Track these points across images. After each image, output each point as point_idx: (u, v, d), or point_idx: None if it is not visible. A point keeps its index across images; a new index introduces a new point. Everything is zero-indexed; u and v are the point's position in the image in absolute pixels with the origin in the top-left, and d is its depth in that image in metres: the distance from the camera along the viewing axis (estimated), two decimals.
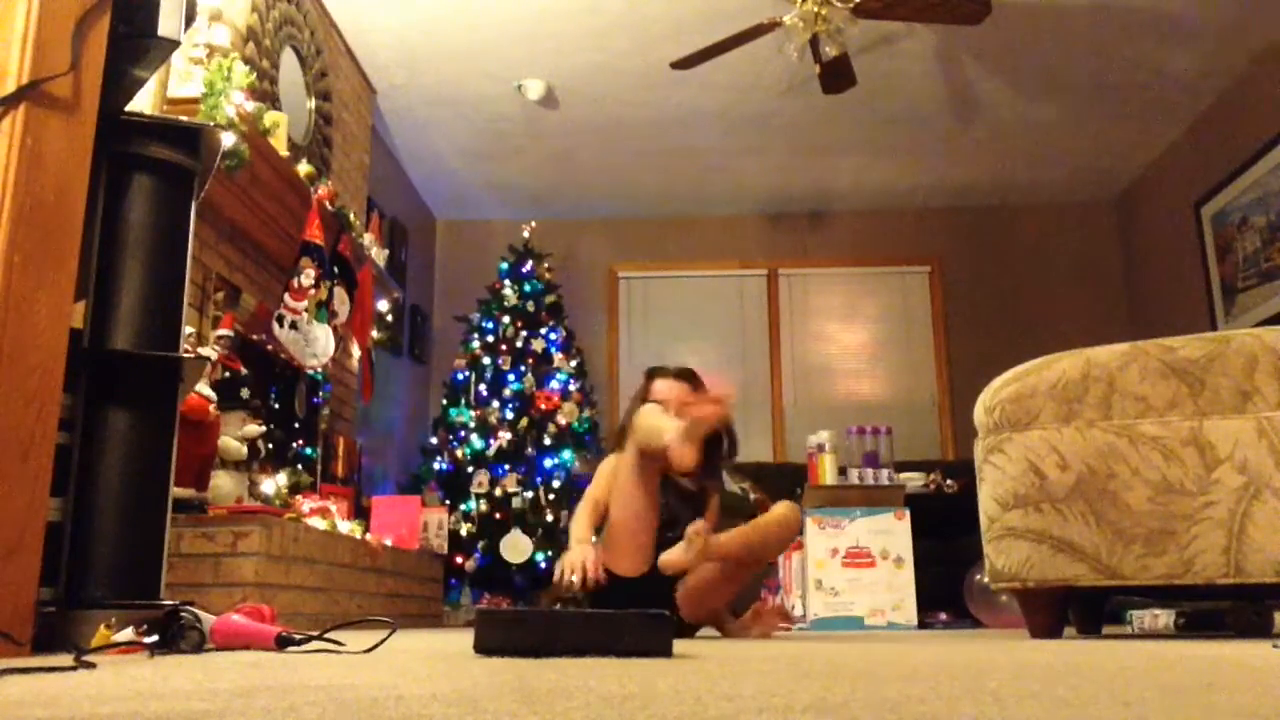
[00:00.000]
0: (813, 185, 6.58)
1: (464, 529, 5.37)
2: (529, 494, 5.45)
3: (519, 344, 5.87)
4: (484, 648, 1.46)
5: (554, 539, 5.26)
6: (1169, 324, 5.91)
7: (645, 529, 2.61)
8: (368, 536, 3.83)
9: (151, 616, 1.63)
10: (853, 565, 4.02)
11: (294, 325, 3.71)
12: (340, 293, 4.09)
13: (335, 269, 4.07)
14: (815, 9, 4.02)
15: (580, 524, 2.70)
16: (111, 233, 1.86)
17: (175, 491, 2.04)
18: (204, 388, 2.92)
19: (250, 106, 3.34)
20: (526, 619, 1.53)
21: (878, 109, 5.54)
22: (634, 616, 1.53)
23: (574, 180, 6.45)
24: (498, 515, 5.40)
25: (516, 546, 5.25)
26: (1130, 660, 1.36)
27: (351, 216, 4.27)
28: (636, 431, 2.52)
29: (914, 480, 4.73)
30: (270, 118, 3.62)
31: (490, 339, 5.92)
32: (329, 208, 4.02)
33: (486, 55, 5.01)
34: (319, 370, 4.18)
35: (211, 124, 2.77)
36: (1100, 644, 2.04)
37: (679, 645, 2.00)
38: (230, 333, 3.38)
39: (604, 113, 5.57)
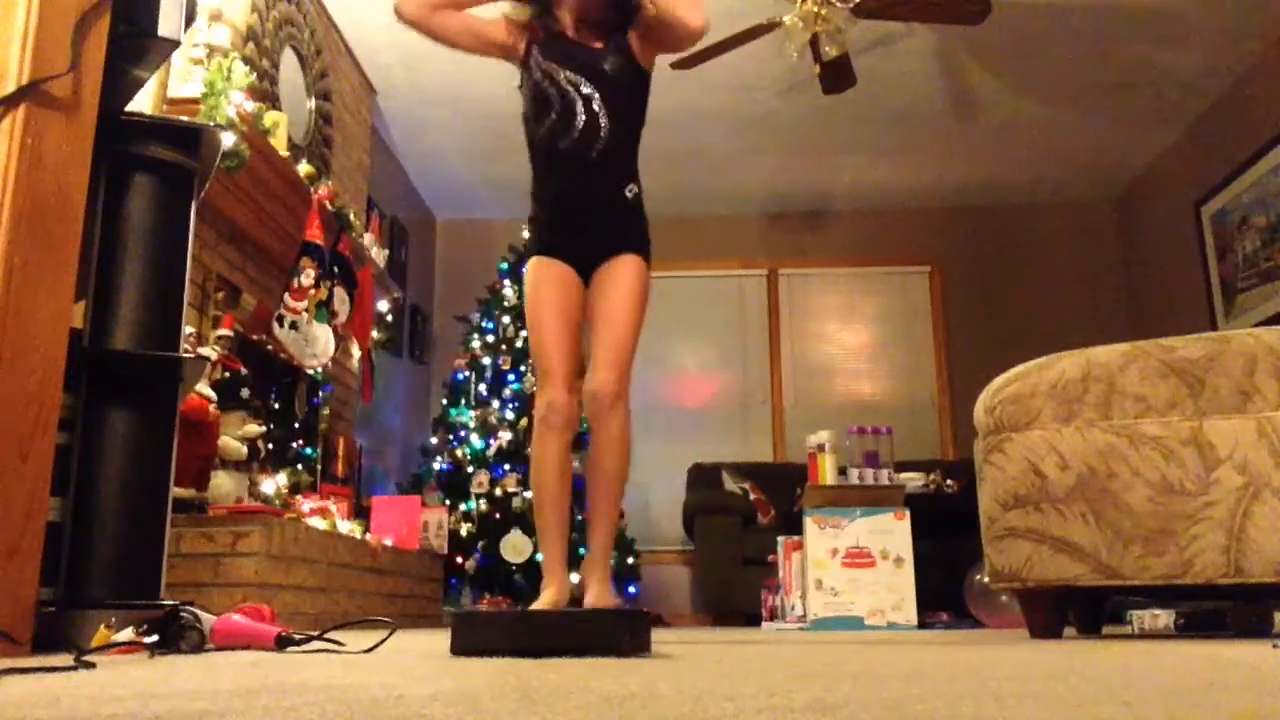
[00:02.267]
0: (813, 185, 6.58)
1: (464, 529, 5.37)
2: (529, 494, 5.45)
3: (519, 344, 5.87)
4: (461, 650, 1.46)
5: None
6: (1169, 324, 5.91)
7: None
8: (368, 536, 3.83)
9: (151, 616, 1.63)
10: (853, 565, 4.02)
11: (294, 325, 3.71)
12: (340, 293, 4.09)
13: (335, 269, 4.07)
14: (815, 9, 4.02)
15: None
16: (111, 233, 1.86)
17: (175, 491, 2.04)
18: (204, 388, 2.92)
19: (250, 106, 3.34)
20: (502, 620, 1.54)
21: (878, 109, 5.54)
22: (612, 615, 1.54)
23: None
24: (498, 515, 5.39)
25: (516, 546, 5.24)
26: (1130, 660, 1.36)
27: (351, 216, 4.26)
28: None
29: (914, 480, 4.72)
30: (270, 118, 3.62)
31: (490, 339, 5.91)
32: (329, 208, 4.02)
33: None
34: (319, 370, 4.18)
35: (211, 124, 2.77)
36: (1100, 644, 2.04)
37: (677, 645, 2.00)
38: (230, 333, 3.38)
39: None
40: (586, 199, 2.25)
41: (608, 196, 2.25)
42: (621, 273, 2.26)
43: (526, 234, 2.33)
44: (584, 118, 2.17)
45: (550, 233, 2.28)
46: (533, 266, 2.29)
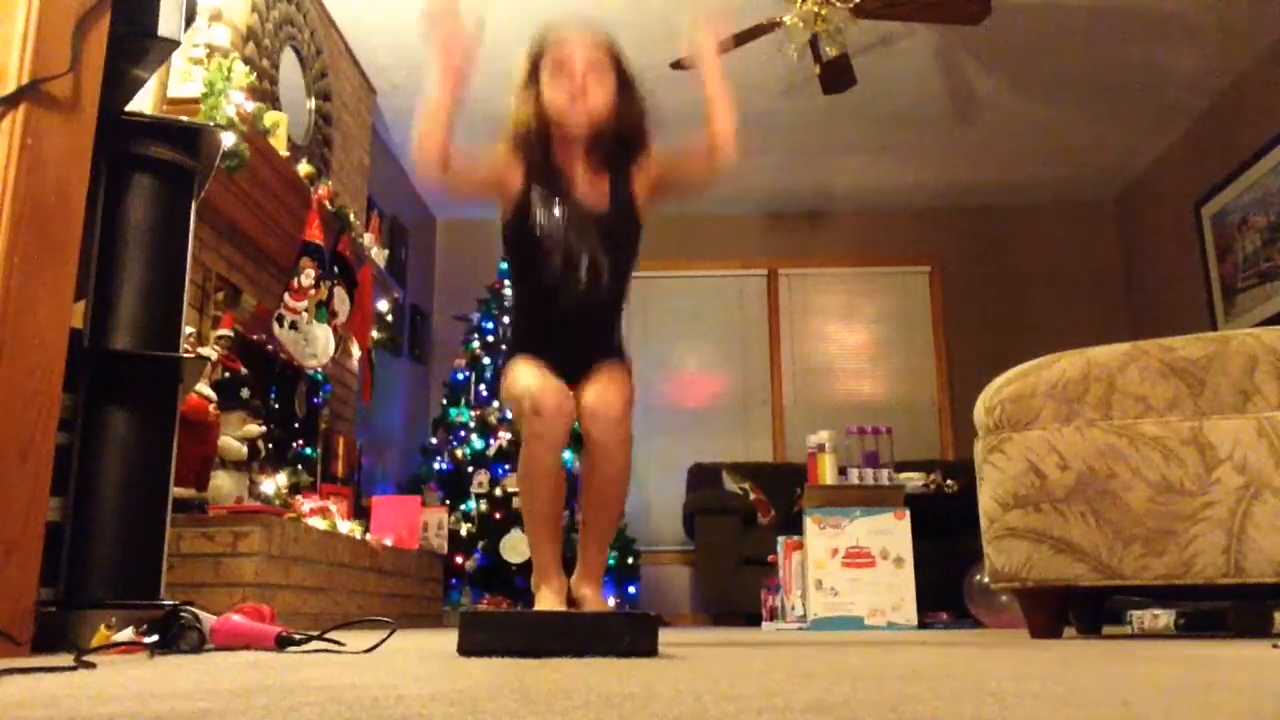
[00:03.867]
0: (813, 185, 6.58)
1: (464, 529, 5.36)
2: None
3: None
4: (467, 650, 1.46)
5: None
6: (1169, 324, 5.91)
7: None
8: (368, 536, 3.83)
9: (151, 616, 1.63)
10: (853, 565, 4.02)
11: (294, 325, 3.71)
12: (340, 293, 4.09)
13: (335, 269, 4.07)
14: (815, 9, 4.02)
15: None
16: (111, 233, 1.86)
17: (175, 491, 2.04)
18: (204, 388, 2.92)
19: (250, 106, 3.34)
20: (510, 621, 1.54)
21: (878, 109, 5.54)
22: (620, 618, 1.54)
23: None
24: (498, 515, 5.39)
25: (516, 546, 5.24)
26: (1130, 660, 1.36)
27: (351, 216, 4.26)
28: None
29: (914, 480, 4.72)
30: (270, 118, 3.62)
31: (490, 339, 5.91)
32: (329, 208, 4.01)
33: (486, 55, 5.00)
34: (319, 370, 4.18)
35: (211, 124, 2.77)
36: (1100, 644, 2.04)
37: (676, 645, 2.00)
38: (230, 333, 3.38)
39: None
40: (580, 342, 2.13)
41: (602, 340, 2.17)
42: (607, 372, 2.11)
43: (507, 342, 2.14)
44: (586, 277, 2.07)
45: (536, 348, 2.12)
46: (514, 361, 2.12)
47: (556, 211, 2.08)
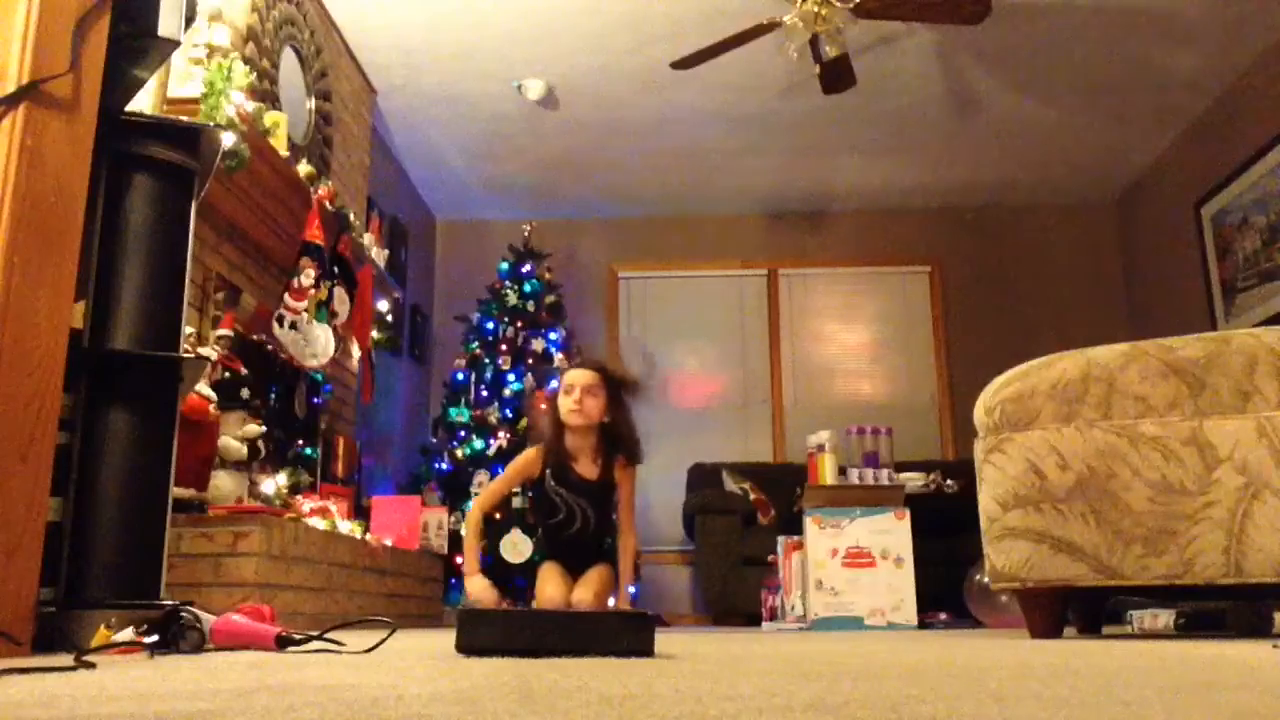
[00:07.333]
0: (813, 185, 6.58)
1: (464, 529, 5.36)
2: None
3: (519, 344, 5.87)
4: (466, 647, 1.46)
5: None
6: (1169, 324, 5.91)
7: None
8: (368, 536, 3.83)
9: (151, 616, 1.63)
10: (853, 565, 4.02)
11: (294, 325, 3.71)
12: (340, 293, 4.09)
13: (335, 269, 4.07)
14: (815, 9, 4.01)
15: (471, 523, 3.24)
16: (111, 233, 1.86)
17: (175, 491, 2.04)
18: (204, 388, 2.92)
19: (250, 106, 3.34)
20: (509, 619, 1.53)
21: (878, 109, 5.54)
22: (617, 616, 1.54)
23: (574, 180, 6.45)
24: (497, 515, 5.38)
25: (516, 546, 5.24)
26: (1130, 660, 1.37)
27: (351, 216, 4.26)
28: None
29: (914, 480, 4.72)
30: (270, 118, 3.62)
31: (490, 339, 5.91)
32: (329, 208, 4.01)
33: (486, 55, 5.00)
34: (319, 370, 4.18)
35: (211, 124, 2.77)
36: (1100, 644, 2.04)
37: (676, 645, 2.00)
38: (230, 333, 3.38)
39: (604, 113, 5.57)
40: (581, 556, 3.10)
41: (594, 553, 3.13)
42: (595, 572, 3.06)
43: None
44: (579, 522, 3.05)
45: (554, 556, 3.16)
46: (542, 565, 3.16)
47: (565, 487, 3.05)
